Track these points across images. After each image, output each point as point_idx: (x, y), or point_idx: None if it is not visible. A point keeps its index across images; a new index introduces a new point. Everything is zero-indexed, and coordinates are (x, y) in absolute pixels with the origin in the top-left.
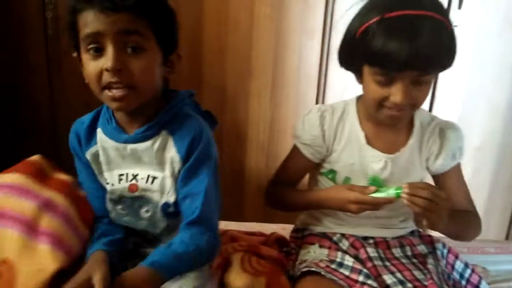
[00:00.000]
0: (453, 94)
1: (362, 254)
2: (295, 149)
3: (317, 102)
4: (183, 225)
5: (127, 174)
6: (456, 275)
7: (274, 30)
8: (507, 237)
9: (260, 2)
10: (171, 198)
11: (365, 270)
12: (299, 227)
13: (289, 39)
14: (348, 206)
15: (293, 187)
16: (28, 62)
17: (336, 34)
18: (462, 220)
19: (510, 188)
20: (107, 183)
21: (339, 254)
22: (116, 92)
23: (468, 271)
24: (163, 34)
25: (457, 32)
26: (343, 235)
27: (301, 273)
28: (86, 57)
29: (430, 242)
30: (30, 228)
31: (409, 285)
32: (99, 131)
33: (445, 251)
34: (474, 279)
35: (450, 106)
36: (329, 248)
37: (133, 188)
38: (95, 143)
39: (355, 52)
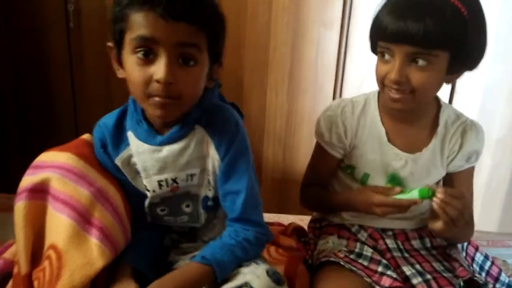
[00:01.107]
0: (474, 87)
1: (381, 245)
2: (318, 148)
3: (334, 94)
4: (228, 221)
5: (166, 179)
6: (476, 267)
7: (292, 21)
8: None
9: None
10: (209, 193)
11: (384, 261)
12: (317, 217)
13: (307, 31)
14: (373, 209)
15: (325, 186)
16: (50, 55)
17: (354, 26)
18: (462, 229)
19: None
20: (148, 190)
21: (358, 244)
22: (162, 100)
23: (488, 263)
24: (216, 47)
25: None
26: (361, 226)
27: (320, 263)
28: (131, 59)
29: None
30: (84, 218)
31: (428, 276)
32: (130, 134)
33: (465, 243)
34: (494, 271)
35: (471, 99)
36: (348, 238)
37: (174, 189)
38: (125, 147)
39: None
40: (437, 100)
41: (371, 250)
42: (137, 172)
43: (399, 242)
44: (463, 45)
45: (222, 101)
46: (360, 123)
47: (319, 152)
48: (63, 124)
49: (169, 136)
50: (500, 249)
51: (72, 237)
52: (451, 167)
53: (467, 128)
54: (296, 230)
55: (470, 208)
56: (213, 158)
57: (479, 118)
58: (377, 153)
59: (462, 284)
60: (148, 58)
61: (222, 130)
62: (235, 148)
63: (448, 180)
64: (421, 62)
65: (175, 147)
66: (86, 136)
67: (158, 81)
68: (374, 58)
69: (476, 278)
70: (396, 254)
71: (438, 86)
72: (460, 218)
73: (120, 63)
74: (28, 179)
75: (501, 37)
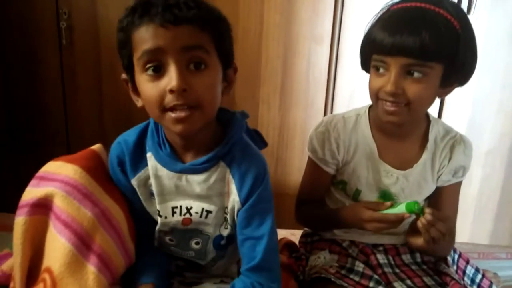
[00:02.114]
0: (463, 99)
1: (372, 261)
2: (312, 164)
3: (325, 107)
4: (244, 270)
5: (180, 206)
6: (467, 280)
7: (283, 37)
8: None
9: (270, 9)
10: (225, 231)
11: (375, 276)
12: (308, 232)
13: (298, 46)
14: (364, 225)
15: (320, 202)
16: (42, 71)
17: (344, 40)
18: (440, 246)
19: None
20: (160, 215)
21: (349, 259)
22: (180, 113)
23: (479, 276)
24: (224, 48)
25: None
26: (352, 241)
27: (311, 279)
28: (143, 79)
29: None
30: (84, 243)
31: None
32: (150, 156)
33: (456, 256)
34: (485, 284)
35: (460, 111)
36: (339, 253)
37: (186, 222)
38: (143, 168)
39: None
40: (427, 115)
41: (362, 265)
42: (151, 194)
43: (390, 257)
44: (456, 58)
45: (247, 130)
46: (352, 139)
47: (313, 168)
48: (55, 140)
49: (191, 165)
50: (491, 262)
51: (69, 263)
52: (439, 182)
53: (455, 143)
54: (287, 245)
55: (453, 224)
56: (234, 198)
57: (469, 131)
58: (369, 169)
59: None
60: (159, 73)
61: (246, 172)
62: (260, 193)
63: (435, 194)
64: (416, 74)
65: (195, 178)
66: (96, 147)
67: (171, 90)
68: (364, 71)
69: None
70: (387, 270)
71: (432, 99)
72: (441, 239)
73: (137, 92)
74: (32, 192)
75: (489, 51)
